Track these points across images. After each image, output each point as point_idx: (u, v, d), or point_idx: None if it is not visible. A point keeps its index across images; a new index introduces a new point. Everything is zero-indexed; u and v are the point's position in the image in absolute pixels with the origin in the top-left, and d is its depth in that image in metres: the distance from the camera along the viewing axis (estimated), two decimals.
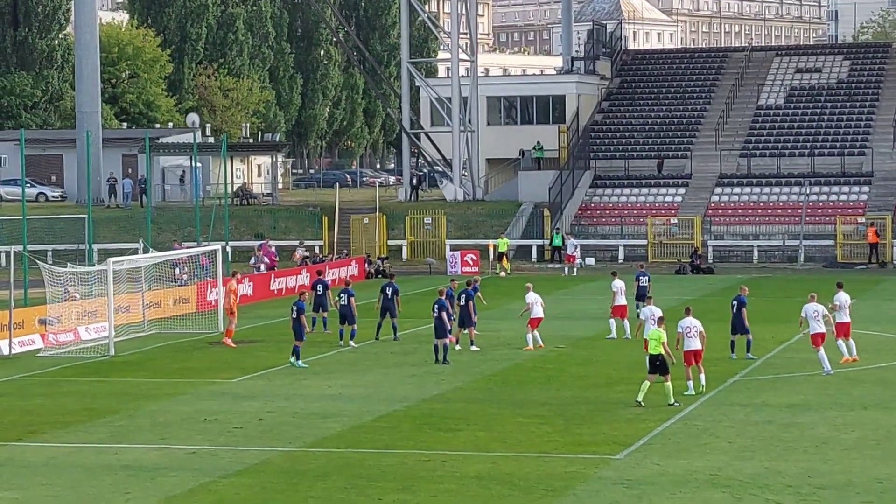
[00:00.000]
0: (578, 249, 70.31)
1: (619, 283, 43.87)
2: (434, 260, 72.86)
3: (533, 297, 41.80)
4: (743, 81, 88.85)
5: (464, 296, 41.24)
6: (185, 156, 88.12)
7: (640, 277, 46.80)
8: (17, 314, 43.79)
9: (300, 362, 38.93)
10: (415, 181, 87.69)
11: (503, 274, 68.20)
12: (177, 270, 56.15)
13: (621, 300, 43.80)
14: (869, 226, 72.29)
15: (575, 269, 68.94)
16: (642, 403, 31.75)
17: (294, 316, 39.23)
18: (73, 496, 24.10)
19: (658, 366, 31.82)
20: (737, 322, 39.20)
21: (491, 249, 70.82)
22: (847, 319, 38.11)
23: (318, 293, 46.49)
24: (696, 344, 33.30)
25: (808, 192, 76.80)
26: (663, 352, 31.77)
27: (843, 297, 38.39)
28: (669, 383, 31.64)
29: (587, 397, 33.42)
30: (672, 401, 31.55)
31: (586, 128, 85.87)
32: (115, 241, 72.37)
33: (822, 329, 36.30)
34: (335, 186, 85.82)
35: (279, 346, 43.33)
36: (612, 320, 44.01)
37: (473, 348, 41.16)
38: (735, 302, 39.42)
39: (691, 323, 33.42)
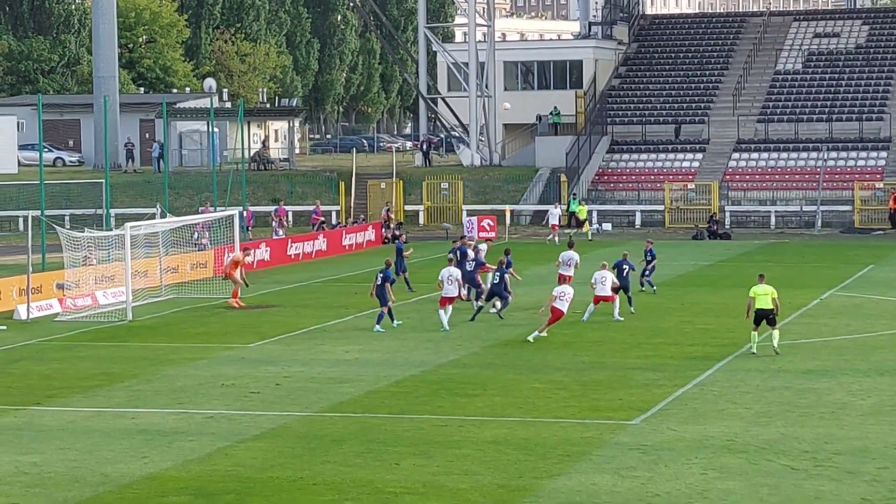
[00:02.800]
0: (558, 218, 68.09)
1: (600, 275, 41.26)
2: (450, 225, 72.82)
3: (568, 256, 43.35)
4: (761, 46, 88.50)
5: (497, 274, 40.97)
6: (203, 121, 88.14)
7: (623, 266, 44.35)
8: (34, 279, 43.94)
9: (378, 327, 39.09)
10: (425, 147, 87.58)
11: (590, 237, 67.46)
12: (195, 235, 56.25)
13: (603, 292, 41.01)
14: (891, 191, 72.11)
15: (557, 238, 65.88)
16: (755, 352, 33.74)
17: (378, 283, 39.04)
18: (91, 460, 24.23)
19: (770, 320, 33.95)
20: None
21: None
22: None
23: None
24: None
25: (825, 157, 76.57)
26: (774, 307, 33.92)
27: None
28: (777, 331, 34.11)
29: (604, 363, 33.45)
30: (777, 347, 33.88)
31: (603, 93, 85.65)
32: (133, 206, 72.49)
33: None
34: (352, 152, 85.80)
35: (296, 312, 43.46)
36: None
37: (493, 310, 40.97)
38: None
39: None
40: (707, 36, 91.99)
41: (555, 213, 68.02)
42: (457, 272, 39.67)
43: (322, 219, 69.45)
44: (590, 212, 70.63)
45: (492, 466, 23.44)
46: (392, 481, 22.57)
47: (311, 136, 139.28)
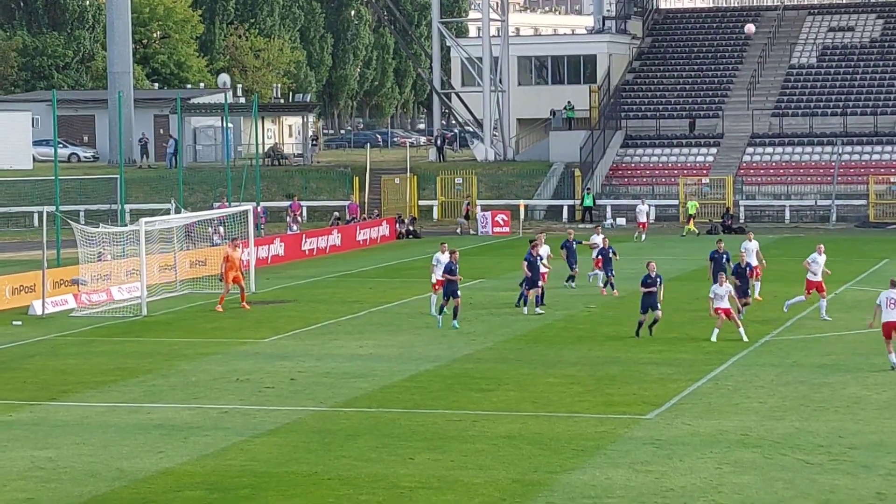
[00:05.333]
0: (648, 215, 67.55)
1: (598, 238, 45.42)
2: (465, 220, 72.85)
3: (599, 239, 44.26)
4: (775, 40, 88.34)
5: (525, 262, 41.12)
6: (217, 116, 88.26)
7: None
8: (50, 274, 44.04)
9: (537, 309, 40.50)
10: (439, 142, 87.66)
11: (696, 233, 67.10)
12: (210, 230, 56.34)
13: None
14: None
15: (644, 236, 65.66)
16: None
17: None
18: (107, 455, 24.28)
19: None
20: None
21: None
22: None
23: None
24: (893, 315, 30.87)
25: (840, 151, 76.43)
26: None
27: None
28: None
29: (618, 357, 33.44)
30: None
31: (617, 87, 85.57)
32: (148, 201, 72.60)
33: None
34: (366, 147, 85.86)
35: (311, 307, 43.50)
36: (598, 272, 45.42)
37: (537, 310, 40.86)
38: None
39: (891, 295, 30.94)
40: (721, 30, 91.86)
41: (643, 209, 67.07)
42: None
43: (337, 214, 69.48)
44: (602, 206, 70.51)
45: (506, 461, 23.45)
46: (406, 476, 22.59)
47: (325, 131, 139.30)
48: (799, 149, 78.64)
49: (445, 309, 38.47)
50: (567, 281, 46.28)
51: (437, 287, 39.95)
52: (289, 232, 62.94)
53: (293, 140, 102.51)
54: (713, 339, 34.98)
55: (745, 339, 34.84)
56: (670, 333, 36.87)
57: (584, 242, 47.41)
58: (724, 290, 35.09)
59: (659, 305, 36.05)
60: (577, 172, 76.45)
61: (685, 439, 24.82)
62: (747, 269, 39.26)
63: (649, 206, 69.63)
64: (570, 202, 76.22)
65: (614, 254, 45.02)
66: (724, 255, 40.04)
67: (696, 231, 67.67)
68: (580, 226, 73.04)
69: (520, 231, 69.10)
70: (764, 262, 43.47)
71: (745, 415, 26.77)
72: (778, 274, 48.92)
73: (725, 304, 35.06)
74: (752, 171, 77.56)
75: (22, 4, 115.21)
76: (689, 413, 26.99)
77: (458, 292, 38.18)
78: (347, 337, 37.41)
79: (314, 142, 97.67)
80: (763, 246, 61.59)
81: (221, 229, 56.79)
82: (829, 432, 25.18)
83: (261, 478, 22.61)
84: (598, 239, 45.56)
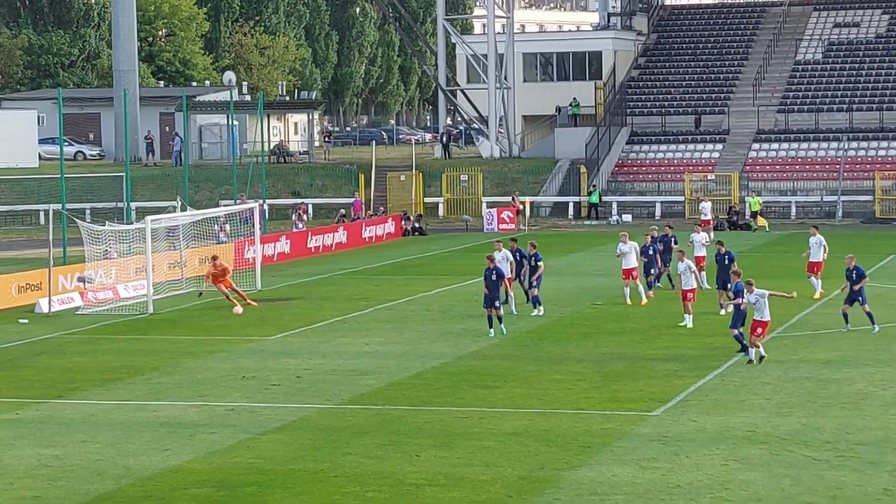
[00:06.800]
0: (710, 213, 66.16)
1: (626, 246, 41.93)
2: (470, 217, 72.86)
3: (627, 247, 41.49)
4: (781, 36, 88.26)
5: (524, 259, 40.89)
6: (222, 114, 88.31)
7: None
8: (55, 272, 44.07)
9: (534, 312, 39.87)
10: (444, 139, 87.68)
11: (767, 230, 66.81)
12: (216, 227, 56.38)
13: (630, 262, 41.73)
14: None
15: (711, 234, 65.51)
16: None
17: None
18: (113, 453, 24.30)
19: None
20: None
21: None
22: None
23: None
24: None
25: (846, 147, 76.36)
26: None
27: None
28: None
29: (624, 354, 33.43)
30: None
31: (623, 84, 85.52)
32: (153, 199, 72.64)
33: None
34: (371, 144, 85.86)
35: (317, 304, 43.51)
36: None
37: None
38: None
39: None
40: (727, 26, 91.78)
41: (705, 206, 66.33)
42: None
43: (343, 211, 69.49)
44: (608, 203, 70.39)
45: (513, 458, 23.45)
46: (413, 473, 22.59)
47: (331, 128, 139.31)
48: (805, 145, 78.58)
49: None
50: (655, 280, 43.68)
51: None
52: (294, 230, 62.96)
53: (298, 137, 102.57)
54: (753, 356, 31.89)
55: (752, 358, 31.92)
56: (676, 330, 36.86)
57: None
58: (755, 295, 31.45)
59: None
60: (583, 169, 76.41)
61: (692, 436, 24.81)
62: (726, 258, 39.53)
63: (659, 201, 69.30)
64: (576, 199, 76.19)
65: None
66: (727, 256, 39.79)
67: (767, 228, 67.20)
68: (586, 222, 73.16)
69: (525, 228, 69.07)
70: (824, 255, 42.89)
71: (752, 411, 26.76)
72: (784, 270, 48.94)
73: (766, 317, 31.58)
74: (757, 167, 77.50)
75: (27, 2, 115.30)
76: (696, 409, 26.98)
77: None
78: (353, 334, 37.41)
79: (327, 138, 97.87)
80: (769, 242, 61.74)
81: (228, 227, 56.79)
82: (836, 428, 25.16)
83: (267, 475, 22.62)
84: (625, 247, 42.13)
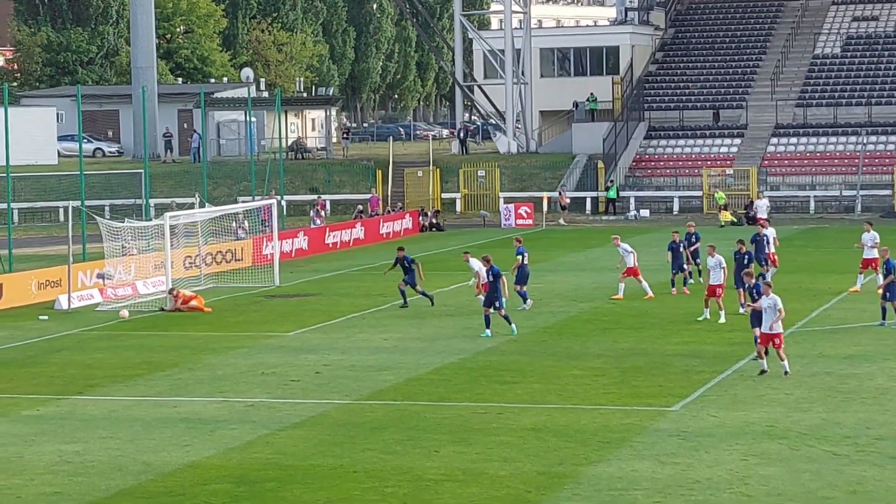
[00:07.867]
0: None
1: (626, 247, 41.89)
2: (488, 213, 72.83)
3: (624, 249, 41.39)
4: (799, 30, 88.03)
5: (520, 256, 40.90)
6: (240, 110, 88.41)
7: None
8: (75, 269, 44.17)
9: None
10: (462, 134, 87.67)
11: (735, 222, 66.84)
12: (234, 224, 56.47)
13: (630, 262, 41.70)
14: None
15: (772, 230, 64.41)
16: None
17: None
18: (133, 449, 24.36)
19: None
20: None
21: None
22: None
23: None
24: None
25: (865, 141, 76.14)
26: None
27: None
28: None
29: (643, 349, 33.40)
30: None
31: (640, 79, 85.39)
32: (172, 195, 72.72)
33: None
34: (389, 140, 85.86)
35: (335, 300, 43.56)
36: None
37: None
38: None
39: None
40: (744, 20, 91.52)
41: (761, 204, 65.86)
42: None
43: (360, 207, 69.50)
44: (625, 198, 70.26)
45: (531, 453, 23.46)
46: (432, 468, 22.61)
47: (348, 124, 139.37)
48: (823, 139, 78.35)
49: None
50: (689, 277, 43.27)
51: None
52: (312, 226, 63.02)
53: (316, 134, 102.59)
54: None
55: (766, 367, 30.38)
56: (695, 325, 36.81)
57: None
58: (769, 301, 29.90)
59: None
60: (601, 164, 76.34)
61: (711, 431, 24.79)
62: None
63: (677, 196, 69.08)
64: (594, 194, 76.12)
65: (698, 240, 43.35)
66: (747, 256, 39.28)
67: (733, 220, 67.20)
68: (604, 217, 73.06)
69: (543, 223, 69.02)
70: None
71: (772, 406, 26.72)
72: (803, 264, 48.83)
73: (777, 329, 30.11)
74: (776, 161, 77.32)
75: (46, 0, 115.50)
76: (715, 405, 26.95)
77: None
78: (372, 330, 37.45)
79: (346, 135, 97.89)
80: (788, 237, 61.55)
81: (246, 223, 56.90)
82: (856, 423, 25.12)
83: (286, 471, 22.66)
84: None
